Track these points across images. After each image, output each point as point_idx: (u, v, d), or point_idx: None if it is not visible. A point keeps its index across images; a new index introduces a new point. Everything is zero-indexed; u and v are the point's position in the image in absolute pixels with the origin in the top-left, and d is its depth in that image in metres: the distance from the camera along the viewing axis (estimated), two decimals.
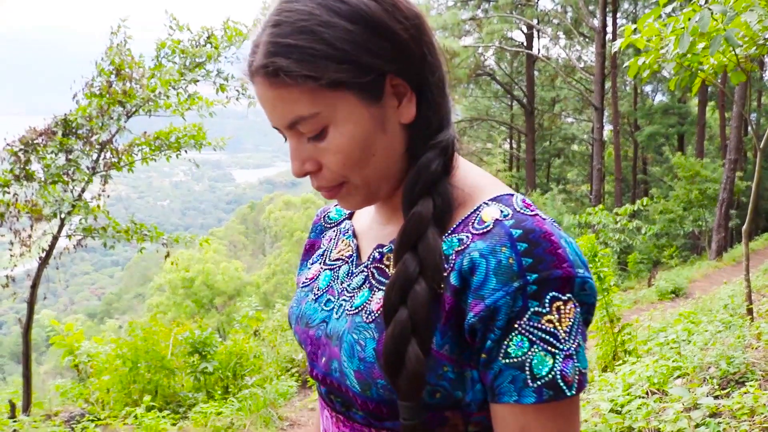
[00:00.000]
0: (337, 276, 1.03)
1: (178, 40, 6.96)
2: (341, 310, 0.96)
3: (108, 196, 7.17)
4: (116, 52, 6.63)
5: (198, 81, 7.06)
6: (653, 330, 6.52)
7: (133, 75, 6.69)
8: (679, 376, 4.21)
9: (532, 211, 0.84)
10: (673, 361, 4.46)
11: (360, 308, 0.92)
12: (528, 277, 0.78)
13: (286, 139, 0.93)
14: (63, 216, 6.34)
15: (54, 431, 4.88)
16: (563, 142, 33.46)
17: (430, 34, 0.91)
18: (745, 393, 3.48)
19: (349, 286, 0.99)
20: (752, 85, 24.46)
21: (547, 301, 0.78)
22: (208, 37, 7.01)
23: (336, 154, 0.87)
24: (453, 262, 0.84)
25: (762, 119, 28.79)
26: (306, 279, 1.11)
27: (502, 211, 0.84)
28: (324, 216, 1.20)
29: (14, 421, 5.09)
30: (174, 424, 5.29)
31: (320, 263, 1.11)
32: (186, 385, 6.61)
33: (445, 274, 0.84)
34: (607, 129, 26.08)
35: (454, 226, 0.88)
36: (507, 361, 0.79)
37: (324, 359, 0.96)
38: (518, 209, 0.84)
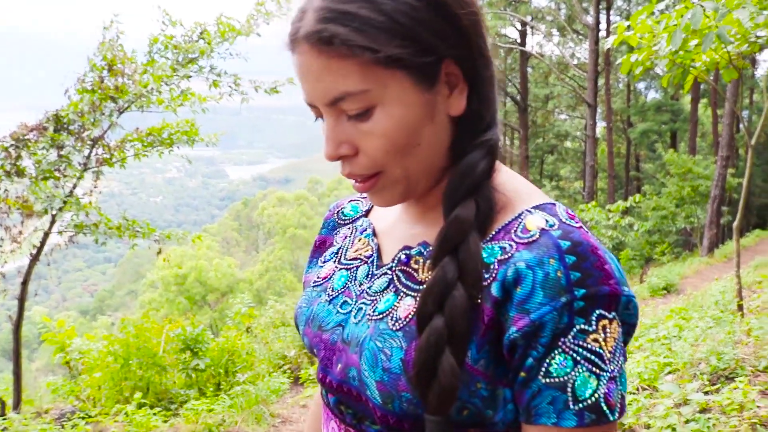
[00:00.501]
0: (355, 276, 0.97)
1: (171, 35, 6.93)
2: (361, 314, 0.90)
3: (100, 193, 7.14)
4: (108, 47, 6.59)
5: (191, 77, 7.03)
6: (644, 326, 6.54)
7: (125, 70, 6.66)
8: (669, 372, 4.23)
9: (577, 222, 0.80)
10: (664, 357, 4.48)
11: (385, 314, 0.86)
12: (576, 293, 0.74)
13: (316, 119, 0.87)
14: (54, 212, 6.31)
15: (44, 429, 4.86)
16: (556, 139, 33.52)
17: (484, 28, 0.86)
18: (735, 389, 3.50)
19: (369, 288, 0.92)
20: (744, 82, 24.54)
21: (593, 318, 0.74)
22: (201, 33, 6.98)
23: (379, 138, 0.81)
24: (495, 271, 0.79)
25: (754, 116, 28.91)
26: (318, 278, 1.04)
27: (547, 221, 0.79)
28: (338, 212, 1.12)
29: (4, 419, 5.08)
30: (165, 422, 5.28)
31: (334, 262, 1.03)
32: (178, 382, 6.60)
33: (486, 283, 0.79)
34: (600, 126, 26.18)
35: (494, 232, 0.83)
36: (548, 380, 0.74)
37: (340, 366, 0.90)
38: (564, 220, 0.80)
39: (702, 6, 3.88)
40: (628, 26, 4.76)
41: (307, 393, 6.49)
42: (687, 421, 3.33)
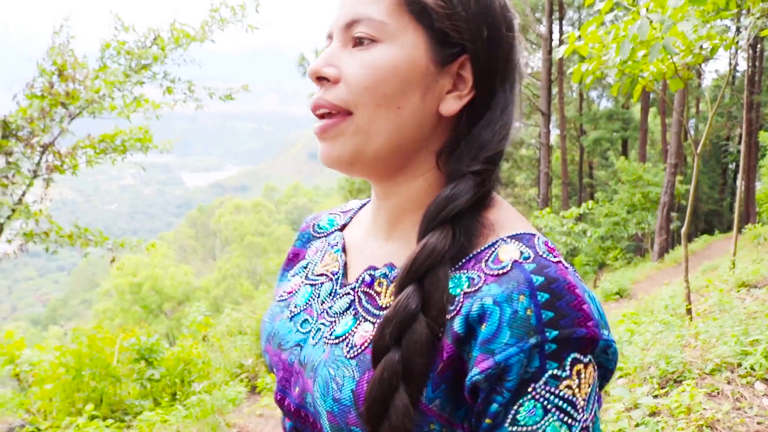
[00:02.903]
0: (318, 294, 0.92)
1: (123, 41, 6.84)
2: (319, 336, 0.85)
3: (51, 200, 6.98)
4: (58, 52, 6.47)
5: (144, 83, 6.94)
6: None
7: (77, 76, 6.53)
8: (621, 377, 4.31)
9: (555, 257, 0.74)
10: None
11: (341, 339, 0.81)
12: (547, 334, 0.68)
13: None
14: (2, 220, 6.15)
15: None
16: (511, 147, 33.77)
17: (518, 60, 0.85)
18: (683, 392, 3.59)
19: (330, 308, 0.87)
20: (690, 92, 25.28)
21: (567, 363, 0.68)
22: (154, 39, 6.90)
23: (368, 69, 0.78)
24: (460, 305, 0.73)
25: (700, 125, 29.80)
26: (284, 292, 0.99)
27: (522, 253, 0.74)
28: (314, 224, 1.08)
29: None
30: None
31: (302, 276, 0.98)
32: (132, 393, 6.49)
33: (449, 317, 0.73)
34: (554, 134, 26.57)
35: (463, 260, 0.77)
36: (515, 428, 0.68)
37: (298, 389, 0.85)
38: (540, 252, 0.74)
39: (648, 18, 3.99)
40: (579, 36, 4.86)
41: (264, 402, 6.44)
42: (637, 425, 3.40)
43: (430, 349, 0.72)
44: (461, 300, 0.73)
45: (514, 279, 0.71)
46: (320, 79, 0.82)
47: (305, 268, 1.00)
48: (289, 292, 0.97)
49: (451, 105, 0.81)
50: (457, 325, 0.72)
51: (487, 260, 0.75)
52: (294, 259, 1.07)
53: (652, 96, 24.99)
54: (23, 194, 6.46)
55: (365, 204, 1.04)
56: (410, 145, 0.82)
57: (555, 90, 24.13)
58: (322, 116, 0.82)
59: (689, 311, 5.66)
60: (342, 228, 1.02)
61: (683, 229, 5.53)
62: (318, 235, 1.05)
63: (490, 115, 0.83)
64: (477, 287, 0.73)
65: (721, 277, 8.60)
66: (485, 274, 0.74)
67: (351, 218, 1.03)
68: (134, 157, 7.26)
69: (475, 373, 0.69)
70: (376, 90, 0.78)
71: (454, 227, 0.77)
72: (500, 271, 0.73)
